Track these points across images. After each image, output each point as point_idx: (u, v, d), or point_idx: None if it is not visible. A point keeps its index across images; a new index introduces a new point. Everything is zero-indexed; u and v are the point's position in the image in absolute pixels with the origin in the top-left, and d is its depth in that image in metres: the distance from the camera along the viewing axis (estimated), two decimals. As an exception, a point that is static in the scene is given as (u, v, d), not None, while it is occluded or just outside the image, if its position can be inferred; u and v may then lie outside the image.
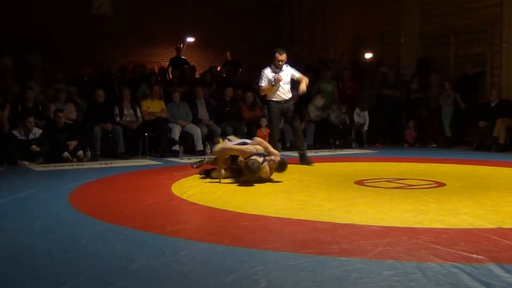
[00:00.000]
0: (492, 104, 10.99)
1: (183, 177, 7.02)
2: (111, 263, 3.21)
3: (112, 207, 5.03)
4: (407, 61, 13.81)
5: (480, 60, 12.01)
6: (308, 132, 11.73)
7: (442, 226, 4.05)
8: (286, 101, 8.26)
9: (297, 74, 8.26)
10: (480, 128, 11.00)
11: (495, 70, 11.85)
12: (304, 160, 8.37)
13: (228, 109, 11.21)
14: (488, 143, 10.74)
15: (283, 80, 8.06)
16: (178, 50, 14.21)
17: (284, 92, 8.22)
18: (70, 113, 9.68)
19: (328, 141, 11.90)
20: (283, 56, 8.08)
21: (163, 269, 3.08)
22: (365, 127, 12.21)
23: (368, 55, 14.98)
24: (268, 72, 8.12)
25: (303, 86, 8.11)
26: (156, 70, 13.62)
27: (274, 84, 7.97)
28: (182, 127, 10.40)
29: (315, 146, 11.65)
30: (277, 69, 8.09)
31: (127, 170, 7.88)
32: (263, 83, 8.12)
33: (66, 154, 8.87)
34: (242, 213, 4.63)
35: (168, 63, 14.25)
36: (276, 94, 8.17)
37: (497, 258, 3.16)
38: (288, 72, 8.19)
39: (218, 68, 14.40)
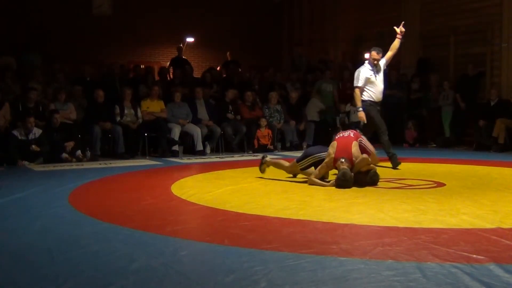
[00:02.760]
0: (492, 104, 10.99)
1: (183, 177, 7.02)
2: (111, 263, 3.21)
3: (112, 207, 5.03)
4: (407, 61, 13.81)
5: (479, 60, 12.01)
6: (308, 132, 11.73)
7: (442, 226, 4.05)
8: (380, 103, 7.92)
9: (384, 59, 7.83)
10: (479, 128, 10.99)
11: (495, 70, 11.85)
12: (394, 162, 7.78)
13: (230, 113, 11.21)
14: (488, 143, 10.74)
15: (380, 86, 7.75)
16: (179, 50, 14.21)
17: (380, 91, 7.82)
18: (70, 113, 9.67)
19: (328, 141, 11.87)
20: (378, 56, 7.70)
21: (163, 269, 3.08)
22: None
23: (368, 55, 14.96)
24: (364, 71, 7.73)
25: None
26: (156, 70, 13.62)
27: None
28: (182, 126, 10.40)
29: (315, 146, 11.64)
30: (373, 67, 7.72)
31: (127, 170, 7.88)
32: (360, 83, 7.70)
33: (64, 155, 8.86)
34: (242, 213, 4.63)
35: (168, 63, 14.24)
36: (372, 94, 7.75)
37: (497, 258, 3.16)
38: (382, 69, 7.82)
39: (218, 68, 14.40)
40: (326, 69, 13.42)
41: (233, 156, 10.04)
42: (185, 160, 9.38)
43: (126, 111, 10.12)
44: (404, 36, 8.04)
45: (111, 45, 14.35)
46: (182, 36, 15.54)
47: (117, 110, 10.04)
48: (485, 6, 12.12)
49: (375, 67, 7.71)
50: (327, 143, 6.75)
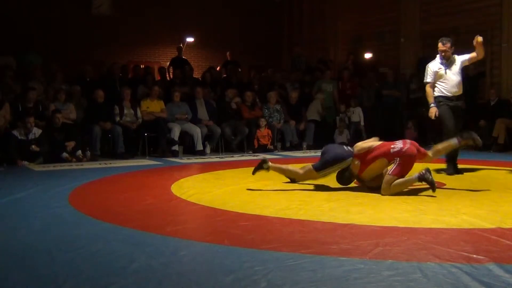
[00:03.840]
0: (492, 104, 10.99)
1: (183, 177, 7.02)
2: (110, 263, 3.21)
3: (111, 207, 5.03)
4: (407, 61, 13.82)
5: (479, 60, 11.98)
6: (308, 132, 11.74)
7: (441, 226, 4.05)
8: (457, 97, 7.11)
9: (467, 56, 7.06)
10: (479, 128, 10.99)
11: (495, 70, 11.86)
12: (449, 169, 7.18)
13: (230, 111, 11.21)
14: (488, 143, 10.74)
15: (451, 81, 7.05)
16: (180, 50, 14.21)
17: (454, 85, 7.07)
18: (70, 113, 9.68)
19: (328, 141, 11.88)
20: (445, 46, 7.03)
21: (163, 269, 3.08)
22: (362, 123, 12.22)
23: (368, 55, 14.99)
24: (433, 65, 7.17)
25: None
26: (156, 70, 13.63)
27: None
28: (180, 123, 10.38)
29: (315, 145, 11.65)
30: (444, 60, 7.08)
31: (126, 170, 7.88)
32: (429, 79, 7.17)
33: (65, 154, 8.87)
34: (241, 213, 4.63)
35: (168, 63, 14.25)
36: (443, 89, 7.10)
37: (497, 258, 3.16)
38: (458, 62, 7.08)
39: (218, 69, 14.41)
40: (326, 69, 13.43)
41: (233, 156, 10.04)
42: (185, 160, 9.38)
43: (125, 111, 10.13)
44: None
45: (110, 45, 14.36)
46: (182, 36, 15.56)
47: (117, 110, 10.06)
48: (485, 6, 12.14)
49: (446, 60, 7.06)
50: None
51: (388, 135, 8.39)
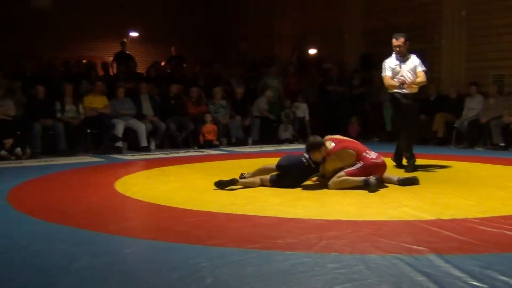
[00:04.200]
0: (431, 99, 11.31)
1: (127, 174, 6.91)
2: (52, 263, 3.13)
3: (53, 206, 4.90)
4: (350, 57, 14.07)
5: (420, 56, 12.33)
6: (253, 127, 11.77)
7: (384, 219, 4.14)
8: (411, 95, 7.06)
9: (419, 68, 7.05)
10: (420, 122, 11.29)
11: (435, 66, 12.20)
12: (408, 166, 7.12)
13: (172, 102, 11.09)
14: (428, 137, 11.05)
15: (406, 77, 7.00)
16: (123, 45, 13.96)
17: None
18: (9, 110, 9.35)
19: (273, 136, 11.95)
20: (398, 41, 7.05)
21: (107, 268, 3.02)
22: (307, 118, 12.35)
23: (313, 51, 15.16)
24: (389, 62, 7.13)
25: (410, 81, 6.94)
26: (99, 65, 13.35)
27: (403, 88, 6.93)
28: (125, 120, 10.21)
29: (260, 141, 11.71)
30: (399, 57, 7.06)
31: (69, 168, 7.69)
32: (388, 72, 7.11)
33: (3, 152, 8.58)
34: (187, 209, 4.60)
35: (112, 58, 13.98)
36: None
37: (437, 249, 3.26)
38: (413, 62, 7.08)
39: (162, 64, 14.25)
40: (271, 65, 13.50)
41: (178, 152, 9.97)
42: (129, 157, 9.24)
43: (67, 107, 9.88)
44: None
45: (51, 39, 13.97)
46: (125, 30, 15.31)
47: (58, 106, 9.79)
48: (425, 4, 12.50)
49: (402, 57, 7.07)
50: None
51: (332, 131, 8.44)
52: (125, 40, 14.49)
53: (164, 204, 4.83)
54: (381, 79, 7.19)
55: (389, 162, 6.89)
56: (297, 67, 13.81)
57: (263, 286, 2.69)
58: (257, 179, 5.84)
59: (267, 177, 5.79)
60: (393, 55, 7.18)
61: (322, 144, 5.66)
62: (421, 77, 7.01)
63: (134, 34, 15.52)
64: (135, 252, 3.40)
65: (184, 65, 14.01)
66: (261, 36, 16.72)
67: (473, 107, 10.75)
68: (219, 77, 12.99)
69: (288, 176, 5.69)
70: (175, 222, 4.13)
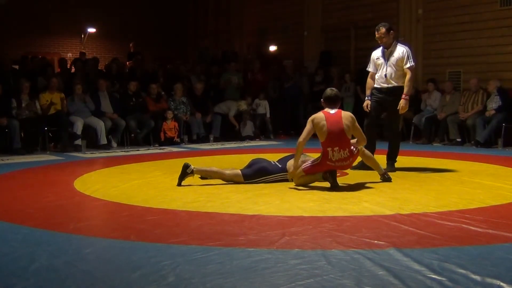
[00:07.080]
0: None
1: (86, 172, 6.80)
2: (9, 264, 3.05)
3: (9, 206, 4.78)
4: (310, 54, 14.17)
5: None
6: (214, 124, 11.75)
7: (345, 214, 4.18)
8: (389, 89, 6.55)
9: (407, 65, 6.42)
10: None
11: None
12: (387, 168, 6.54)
13: (132, 103, 10.96)
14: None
15: (389, 72, 6.50)
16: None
17: (388, 77, 6.53)
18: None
19: (234, 133, 11.95)
20: (378, 33, 6.53)
21: (66, 268, 2.96)
22: (267, 115, 12.40)
23: (273, 48, 15.21)
24: (374, 53, 6.71)
25: (402, 104, 6.35)
26: (56, 61, 13.09)
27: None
28: (84, 118, 10.04)
29: (222, 138, 11.70)
30: (385, 49, 6.58)
31: (25, 167, 7.52)
32: (370, 68, 6.74)
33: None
34: (148, 207, 4.55)
35: (69, 54, 13.71)
36: (378, 79, 6.63)
37: (396, 243, 3.31)
38: (398, 55, 6.46)
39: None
40: (231, 61, 13.49)
41: (138, 150, 9.87)
42: (88, 155, 9.10)
43: (23, 105, 9.65)
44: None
45: (7, 35, 13.62)
46: (83, 26, 15.04)
47: (14, 104, 9.55)
48: (383, 1, 12.69)
49: (386, 49, 6.58)
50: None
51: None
52: (82, 36, 14.26)
53: (124, 203, 4.77)
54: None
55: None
56: (258, 64, 13.82)
57: (226, 284, 2.69)
58: (214, 168, 5.86)
59: (236, 171, 5.77)
60: (381, 46, 6.69)
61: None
62: (407, 78, 6.41)
63: (92, 30, 15.26)
64: (95, 251, 3.34)
65: (140, 58, 13.69)
66: (221, 32, 16.69)
67: (431, 103, 10.98)
68: (179, 74, 12.91)
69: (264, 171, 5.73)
70: (135, 221, 4.09)
